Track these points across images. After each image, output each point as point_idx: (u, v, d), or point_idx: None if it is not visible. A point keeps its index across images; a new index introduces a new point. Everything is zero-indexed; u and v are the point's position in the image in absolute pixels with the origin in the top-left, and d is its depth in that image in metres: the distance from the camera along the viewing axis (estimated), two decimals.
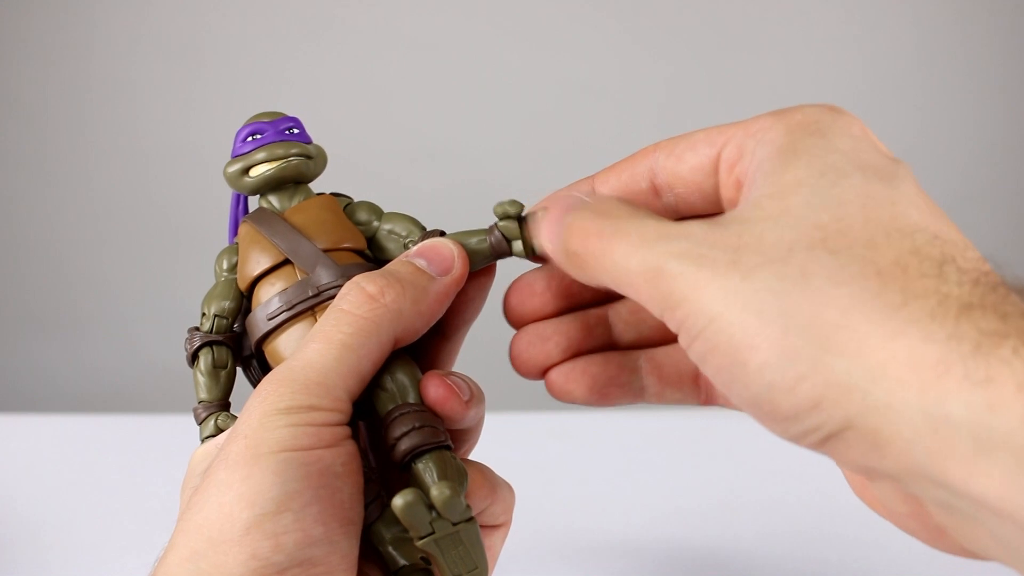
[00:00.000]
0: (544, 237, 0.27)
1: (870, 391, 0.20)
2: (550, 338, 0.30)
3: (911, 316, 0.20)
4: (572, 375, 0.29)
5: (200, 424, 0.30)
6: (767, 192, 0.23)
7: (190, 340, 0.31)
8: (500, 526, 0.30)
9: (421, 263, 0.28)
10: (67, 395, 1.02)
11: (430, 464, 0.26)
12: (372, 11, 0.94)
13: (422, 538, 0.26)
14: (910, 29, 0.99)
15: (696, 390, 0.30)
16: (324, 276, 0.29)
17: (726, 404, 0.29)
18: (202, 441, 0.29)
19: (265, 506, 0.24)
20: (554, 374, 0.30)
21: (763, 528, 0.51)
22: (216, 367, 0.30)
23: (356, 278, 0.28)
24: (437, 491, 0.25)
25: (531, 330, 0.30)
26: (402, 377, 0.28)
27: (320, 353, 0.26)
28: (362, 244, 0.30)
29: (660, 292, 0.23)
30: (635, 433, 0.60)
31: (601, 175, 0.29)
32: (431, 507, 0.25)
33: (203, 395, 0.30)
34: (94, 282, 1.02)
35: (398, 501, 0.25)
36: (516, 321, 0.30)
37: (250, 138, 0.31)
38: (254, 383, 0.31)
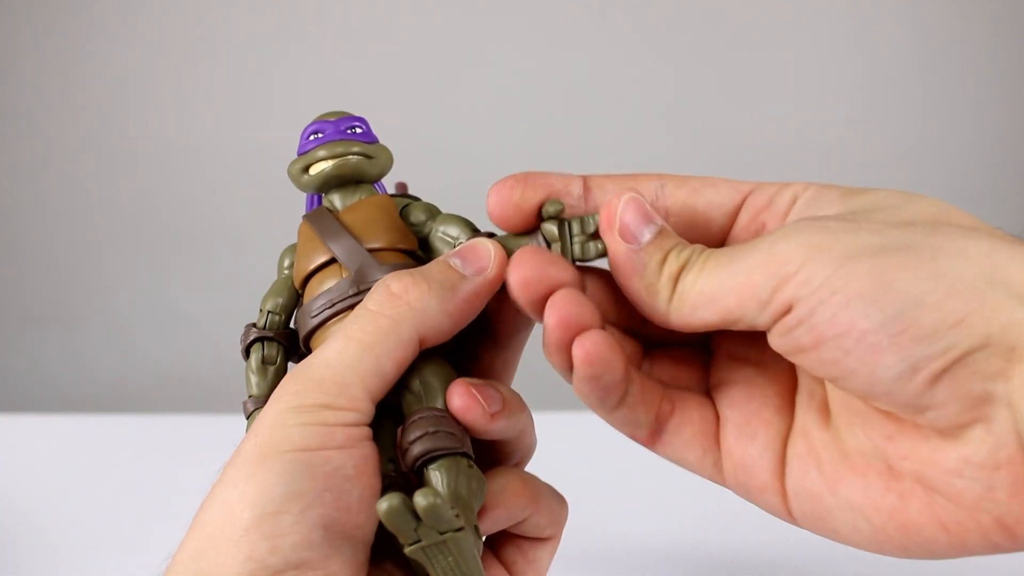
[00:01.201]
0: (625, 282, 0.26)
1: (1016, 308, 0.21)
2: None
3: None
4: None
5: (248, 418, 0.30)
6: (849, 205, 0.24)
7: (245, 335, 0.31)
8: (547, 540, 0.30)
9: (455, 262, 0.28)
10: (67, 395, 1.02)
11: (439, 471, 0.26)
12: (372, 11, 0.94)
13: (408, 545, 0.25)
14: (912, 29, 0.99)
15: (655, 432, 0.28)
16: (367, 275, 0.28)
17: (681, 455, 0.28)
18: None
19: (266, 506, 0.23)
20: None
21: (764, 528, 0.51)
22: (265, 363, 0.30)
23: (384, 277, 0.27)
24: (420, 497, 0.24)
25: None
26: (431, 380, 0.27)
27: (338, 351, 0.26)
28: (412, 245, 0.30)
29: (772, 271, 0.23)
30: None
31: (597, 180, 0.28)
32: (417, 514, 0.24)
33: (252, 390, 0.30)
34: (94, 282, 1.02)
35: (381, 505, 0.24)
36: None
37: (312, 136, 0.31)
38: None
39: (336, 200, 0.31)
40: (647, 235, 0.26)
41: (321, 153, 0.30)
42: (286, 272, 0.31)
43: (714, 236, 0.27)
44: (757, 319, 0.24)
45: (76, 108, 0.97)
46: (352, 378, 0.25)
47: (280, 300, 0.31)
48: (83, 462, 0.58)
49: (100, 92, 0.97)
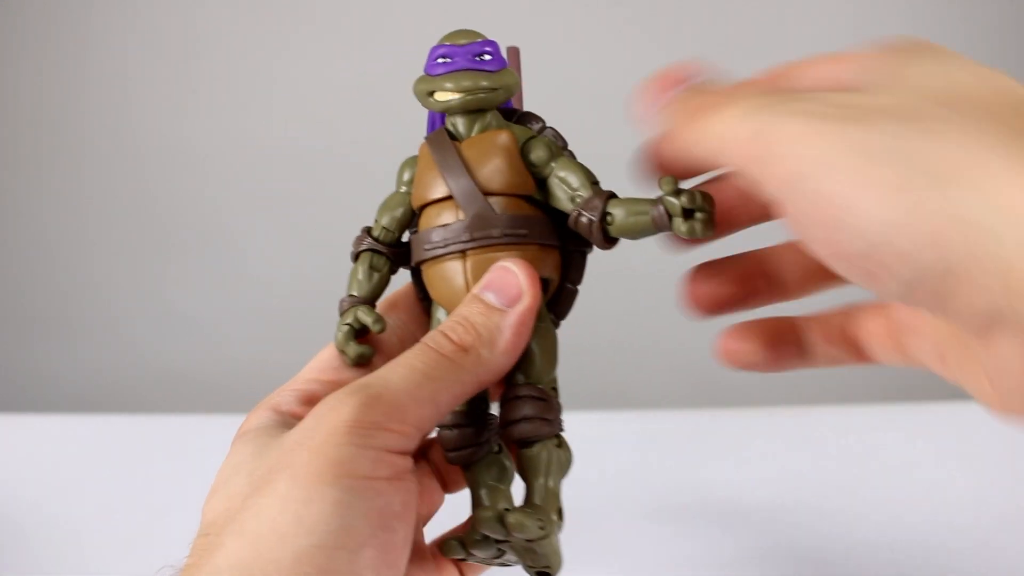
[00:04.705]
0: (645, 104, 0.28)
1: (994, 222, 0.19)
2: (721, 273, 0.31)
3: None
4: (745, 335, 0.31)
5: (342, 314, 0.31)
6: (874, 75, 0.24)
7: (358, 241, 0.32)
8: None
9: (490, 297, 0.28)
10: (67, 395, 1.02)
11: (537, 460, 0.28)
12: (371, 9, 0.94)
13: (499, 543, 0.27)
14: (913, 29, 0.99)
15: (856, 350, 0.31)
16: (481, 223, 0.29)
17: (883, 359, 0.31)
18: (339, 328, 0.31)
19: (322, 538, 0.23)
20: (726, 338, 0.31)
21: (762, 528, 0.51)
22: (372, 269, 0.31)
23: (441, 327, 0.28)
24: (513, 519, 0.26)
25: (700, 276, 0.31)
26: (540, 352, 0.29)
27: (400, 376, 0.26)
28: (530, 189, 0.30)
29: (761, 149, 0.23)
30: (635, 433, 0.60)
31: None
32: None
33: (353, 290, 0.31)
34: (93, 282, 1.01)
35: (479, 515, 0.27)
36: (697, 303, 0.31)
37: (440, 60, 0.31)
38: (419, 293, 0.32)
39: (459, 124, 0.31)
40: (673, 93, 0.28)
41: (448, 84, 0.30)
42: (404, 188, 0.32)
43: None
44: (755, 186, 0.24)
45: (75, 108, 0.97)
46: (408, 403, 0.26)
47: (396, 216, 0.32)
48: (83, 462, 0.58)
49: (99, 92, 0.97)
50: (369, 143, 0.95)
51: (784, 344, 0.31)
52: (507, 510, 0.27)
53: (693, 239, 0.28)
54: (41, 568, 0.48)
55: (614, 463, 0.57)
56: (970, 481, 0.53)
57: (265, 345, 0.97)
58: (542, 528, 0.27)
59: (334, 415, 0.25)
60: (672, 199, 0.28)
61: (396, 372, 0.26)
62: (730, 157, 0.24)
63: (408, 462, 0.26)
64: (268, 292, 0.97)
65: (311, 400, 0.29)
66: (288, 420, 0.28)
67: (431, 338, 0.28)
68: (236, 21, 0.94)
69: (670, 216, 0.28)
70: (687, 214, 0.27)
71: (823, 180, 0.21)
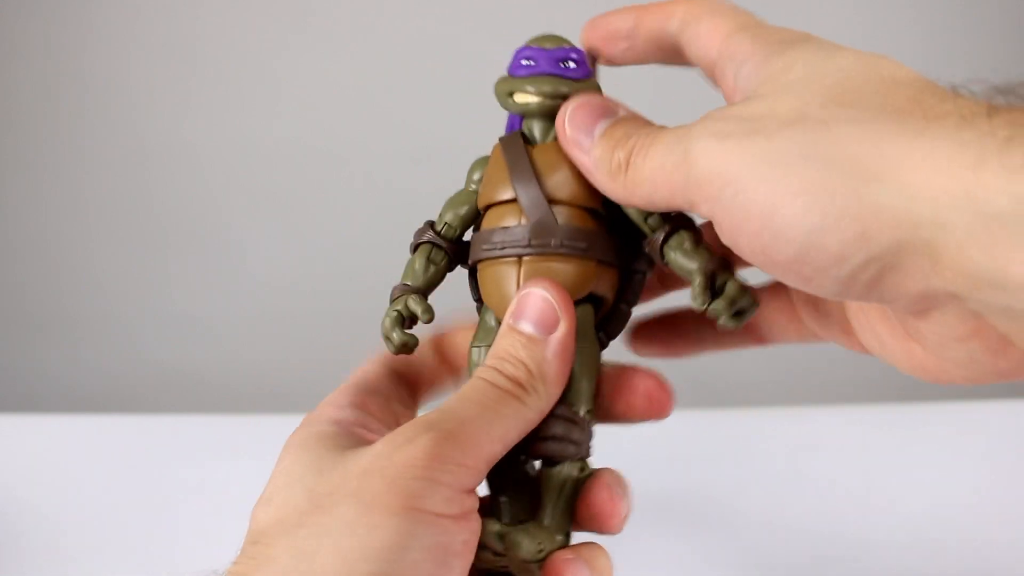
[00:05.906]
0: (575, 150, 0.28)
1: (913, 208, 0.20)
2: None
3: (938, 133, 0.20)
4: (646, 338, 0.33)
5: (392, 301, 0.31)
6: (765, 77, 0.25)
7: (420, 232, 0.32)
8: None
9: (526, 327, 0.28)
10: (67, 395, 1.02)
11: (557, 478, 0.29)
12: (372, 9, 0.94)
13: (496, 555, 0.27)
14: (915, 31, 0.99)
15: (757, 335, 0.33)
16: (542, 230, 0.29)
17: (780, 339, 0.33)
18: (387, 314, 0.30)
19: (382, 567, 0.23)
20: (632, 339, 0.34)
21: (762, 528, 0.51)
22: (430, 262, 0.31)
23: (492, 365, 0.28)
24: (511, 538, 0.27)
25: None
26: (580, 377, 0.29)
27: (475, 414, 0.26)
28: (596, 203, 0.30)
29: (690, 177, 0.24)
30: (635, 433, 0.60)
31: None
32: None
33: (408, 279, 0.31)
34: (94, 282, 1.01)
35: (485, 526, 0.27)
36: None
37: (524, 62, 0.31)
38: (473, 294, 0.32)
39: (535, 128, 0.31)
40: (597, 133, 0.28)
41: (529, 87, 0.30)
42: (473, 186, 0.32)
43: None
44: (690, 210, 0.26)
45: (76, 108, 0.97)
46: (483, 440, 0.26)
47: (460, 213, 0.32)
48: (83, 462, 0.58)
49: (100, 91, 0.97)
50: (369, 143, 0.95)
51: (680, 338, 0.34)
52: (508, 526, 0.28)
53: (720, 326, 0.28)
54: (41, 568, 0.48)
55: (613, 463, 0.57)
56: (970, 481, 0.53)
57: (265, 345, 0.97)
58: (540, 551, 0.27)
59: (411, 447, 0.25)
60: (718, 306, 0.28)
61: (468, 409, 0.26)
62: (666, 192, 0.25)
63: (475, 500, 0.26)
64: (268, 292, 0.97)
65: (362, 407, 0.30)
66: (344, 428, 0.28)
67: (490, 375, 0.27)
68: (237, 21, 0.94)
69: (712, 295, 0.28)
70: (733, 310, 0.28)
71: (746, 195, 0.23)
